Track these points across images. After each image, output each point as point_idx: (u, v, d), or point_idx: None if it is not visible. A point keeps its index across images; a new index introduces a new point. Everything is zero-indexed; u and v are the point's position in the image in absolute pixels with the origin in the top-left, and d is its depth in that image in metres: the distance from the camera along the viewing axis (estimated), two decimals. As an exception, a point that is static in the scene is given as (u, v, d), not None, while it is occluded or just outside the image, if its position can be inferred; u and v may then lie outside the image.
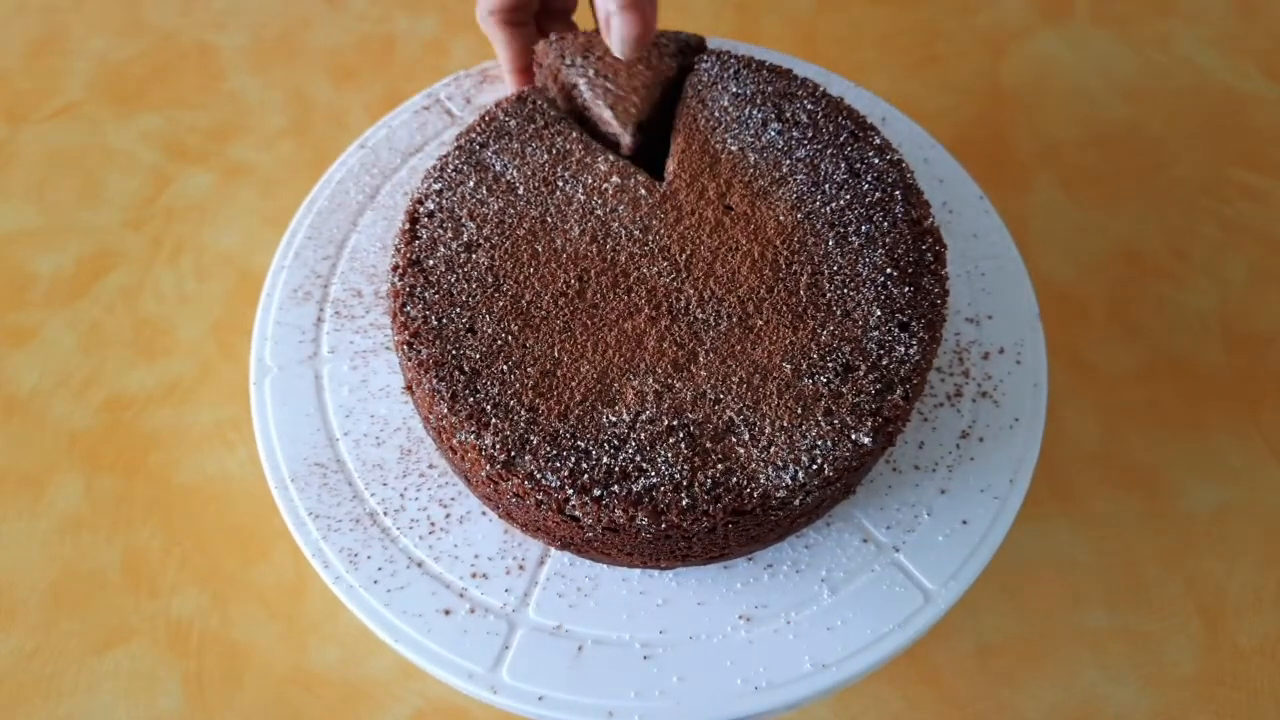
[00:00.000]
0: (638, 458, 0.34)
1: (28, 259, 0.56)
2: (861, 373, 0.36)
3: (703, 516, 0.33)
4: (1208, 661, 0.46)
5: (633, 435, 0.34)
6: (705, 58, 0.44)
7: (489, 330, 0.36)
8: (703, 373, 0.36)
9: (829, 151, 0.41)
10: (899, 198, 0.40)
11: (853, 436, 0.35)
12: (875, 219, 0.39)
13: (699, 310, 0.37)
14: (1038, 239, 0.58)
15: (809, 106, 0.42)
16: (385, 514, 0.40)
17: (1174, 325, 0.55)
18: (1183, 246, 0.58)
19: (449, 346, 0.36)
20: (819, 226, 0.39)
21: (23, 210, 0.58)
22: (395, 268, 0.38)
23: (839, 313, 0.37)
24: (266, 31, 0.67)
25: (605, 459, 0.34)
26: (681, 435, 0.34)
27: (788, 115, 0.42)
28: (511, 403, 0.35)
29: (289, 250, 0.46)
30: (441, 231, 0.39)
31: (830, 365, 0.36)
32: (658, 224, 0.39)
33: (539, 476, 0.34)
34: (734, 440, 0.34)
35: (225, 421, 0.51)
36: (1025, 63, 0.66)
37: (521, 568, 0.39)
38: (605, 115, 0.41)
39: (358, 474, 0.41)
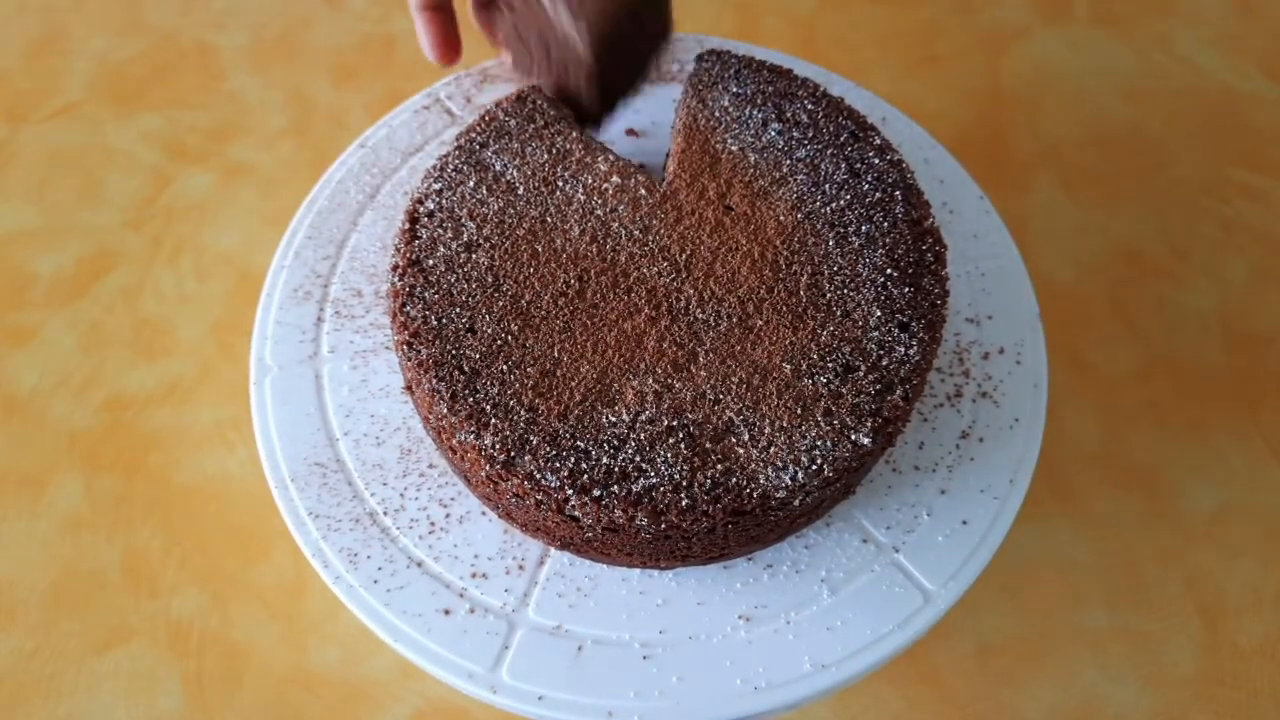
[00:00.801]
0: (637, 458, 0.34)
1: (28, 259, 0.56)
2: (861, 373, 0.36)
3: (702, 517, 0.33)
4: (1208, 661, 0.46)
5: (632, 435, 0.34)
6: (706, 57, 0.44)
7: (489, 330, 0.36)
8: (702, 373, 0.36)
9: (829, 152, 0.41)
10: (899, 198, 0.40)
11: (852, 437, 0.35)
12: (875, 219, 0.39)
13: (699, 310, 0.37)
14: (1038, 239, 0.58)
15: (809, 107, 0.42)
16: (385, 514, 0.40)
17: (1174, 325, 0.55)
18: (1183, 246, 0.58)
19: (449, 346, 0.36)
20: (819, 227, 0.39)
21: (23, 210, 0.58)
22: (395, 267, 0.38)
23: (839, 313, 0.37)
24: (266, 31, 0.66)
25: (605, 459, 0.34)
26: (681, 435, 0.34)
27: (788, 115, 0.42)
28: (511, 403, 0.35)
29: (289, 250, 0.46)
30: (441, 231, 0.39)
31: (830, 366, 0.36)
32: (658, 224, 0.39)
33: (539, 476, 0.34)
34: (734, 440, 0.34)
35: (225, 421, 0.51)
36: (1025, 63, 0.66)
37: (521, 568, 0.39)
38: (562, 16, 0.39)
39: (358, 474, 0.41)
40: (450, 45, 0.47)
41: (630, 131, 0.49)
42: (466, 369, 0.35)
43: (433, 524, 0.40)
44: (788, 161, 0.40)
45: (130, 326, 0.54)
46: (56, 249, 0.56)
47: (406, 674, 0.44)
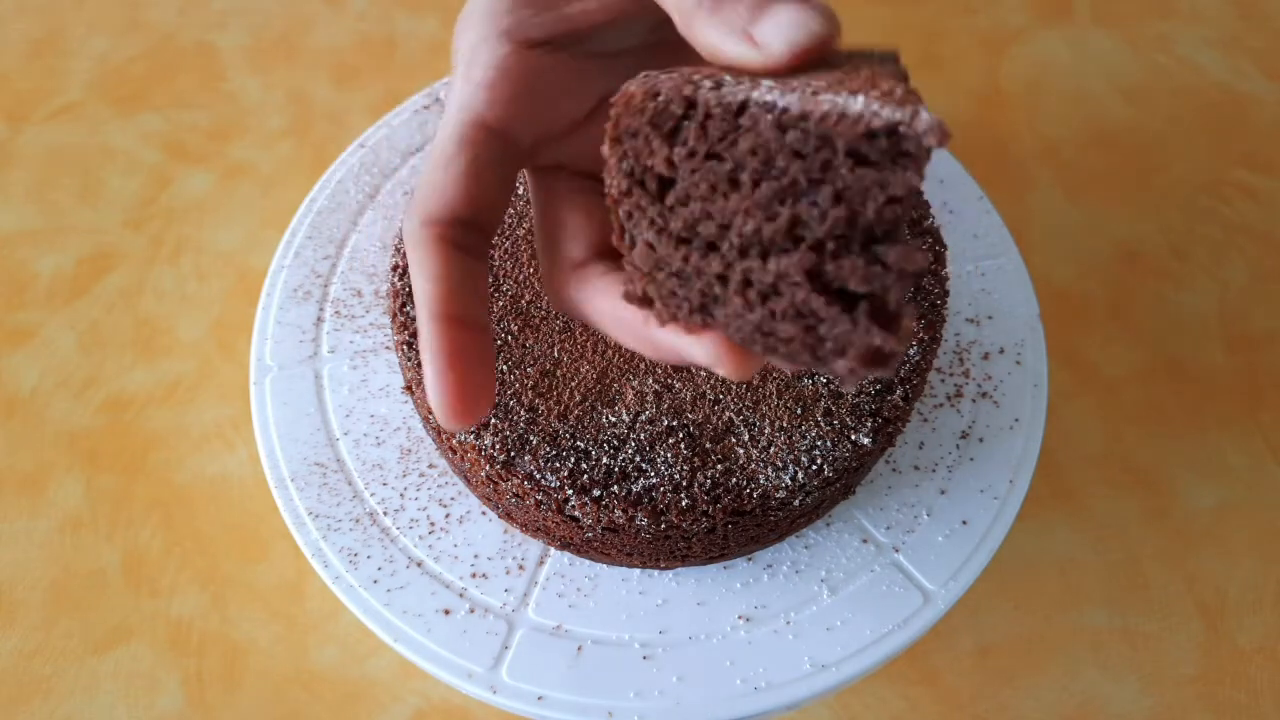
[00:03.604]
0: (637, 458, 0.34)
1: (28, 259, 0.56)
2: (861, 373, 0.36)
3: (702, 517, 0.33)
4: (1208, 661, 0.46)
5: (632, 436, 0.34)
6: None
7: (489, 330, 0.36)
8: (702, 373, 0.36)
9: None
10: (899, 198, 0.40)
11: (852, 437, 0.35)
12: (875, 219, 0.39)
13: (699, 310, 0.37)
14: (1038, 239, 0.58)
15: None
16: (385, 514, 0.40)
17: (1174, 325, 0.55)
18: (1183, 246, 0.58)
19: (449, 346, 0.36)
20: (819, 226, 0.39)
21: (23, 210, 0.58)
22: (395, 267, 0.38)
23: (839, 313, 0.37)
24: (266, 31, 0.66)
25: (605, 459, 0.34)
26: (681, 436, 0.34)
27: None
28: (511, 403, 0.35)
29: (289, 250, 0.46)
30: (441, 231, 0.39)
31: (830, 365, 0.36)
32: (657, 224, 0.39)
33: (538, 476, 0.34)
34: (733, 440, 0.34)
35: (225, 421, 0.51)
36: (1025, 63, 0.66)
37: (521, 568, 0.39)
38: (855, 107, 0.20)
39: (358, 474, 0.41)
40: (475, 391, 0.23)
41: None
42: (466, 369, 0.35)
43: (433, 524, 0.40)
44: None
45: (130, 326, 0.54)
46: (56, 249, 0.56)
47: (406, 674, 0.44)
